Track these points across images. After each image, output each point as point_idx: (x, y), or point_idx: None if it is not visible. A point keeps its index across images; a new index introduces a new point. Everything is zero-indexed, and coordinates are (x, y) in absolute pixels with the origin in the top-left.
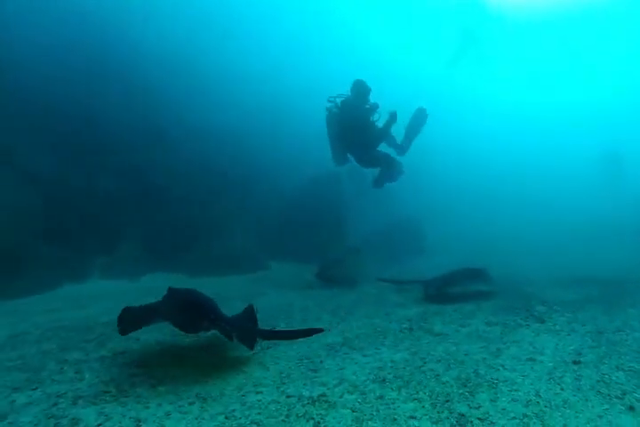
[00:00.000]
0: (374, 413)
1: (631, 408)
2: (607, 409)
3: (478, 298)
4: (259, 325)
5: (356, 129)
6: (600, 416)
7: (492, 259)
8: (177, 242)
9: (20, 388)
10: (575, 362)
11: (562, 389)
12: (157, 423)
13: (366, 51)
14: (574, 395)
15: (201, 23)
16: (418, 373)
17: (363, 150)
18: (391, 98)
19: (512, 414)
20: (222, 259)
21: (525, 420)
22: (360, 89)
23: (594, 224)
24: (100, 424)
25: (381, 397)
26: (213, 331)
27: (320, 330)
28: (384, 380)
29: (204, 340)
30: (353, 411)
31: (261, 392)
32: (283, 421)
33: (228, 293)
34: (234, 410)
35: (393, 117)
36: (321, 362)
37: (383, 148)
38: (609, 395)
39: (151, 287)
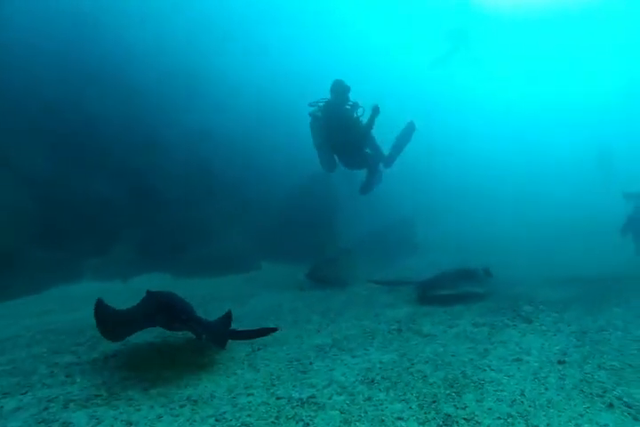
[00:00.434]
0: (362, 414)
1: (610, 405)
2: (588, 407)
3: (468, 299)
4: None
5: (343, 128)
6: (581, 415)
7: (486, 259)
8: (171, 243)
9: (9, 393)
10: (560, 362)
11: (546, 388)
12: (149, 426)
13: (364, 51)
14: (558, 394)
15: (198, 25)
16: (406, 374)
17: (351, 150)
18: (387, 97)
19: (497, 414)
20: (215, 260)
21: (510, 419)
22: (339, 88)
23: (588, 222)
24: None
25: (369, 398)
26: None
27: (274, 329)
28: (372, 381)
29: (195, 342)
30: (341, 412)
31: (252, 394)
32: (272, 422)
33: (219, 293)
34: (224, 412)
35: (376, 111)
36: (310, 364)
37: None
38: (591, 393)
39: (144, 289)
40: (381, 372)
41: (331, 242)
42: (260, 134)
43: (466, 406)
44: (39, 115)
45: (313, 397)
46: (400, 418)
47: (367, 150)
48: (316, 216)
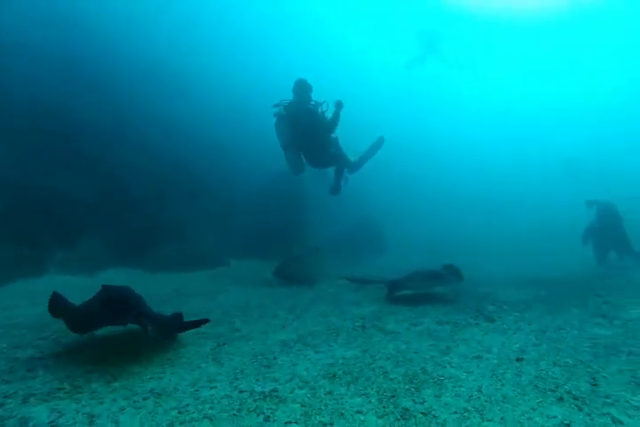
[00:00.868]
0: (323, 407)
1: (560, 399)
2: (541, 402)
3: (434, 298)
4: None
5: (309, 125)
6: (534, 409)
7: (455, 259)
8: (140, 239)
9: None
10: (518, 359)
11: (502, 384)
12: (111, 419)
13: (341, 52)
14: (513, 390)
15: (179, 26)
16: (367, 369)
17: (317, 148)
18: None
19: (454, 409)
20: (184, 256)
21: (466, 414)
22: (302, 87)
23: (559, 222)
24: (52, 421)
25: (330, 392)
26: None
27: (206, 320)
28: (334, 376)
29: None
30: (302, 406)
31: (215, 387)
32: (234, 415)
33: (188, 289)
34: (187, 405)
35: (339, 106)
36: (274, 358)
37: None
38: (544, 389)
39: (110, 283)
40: (343, 367)
41: (299, 240)
42: (237, 134)
43: (424, 401)
44: (5, 111)
45: (275, 390)
46: (359, 412)
47: (333, 149)
48: (284, 214)
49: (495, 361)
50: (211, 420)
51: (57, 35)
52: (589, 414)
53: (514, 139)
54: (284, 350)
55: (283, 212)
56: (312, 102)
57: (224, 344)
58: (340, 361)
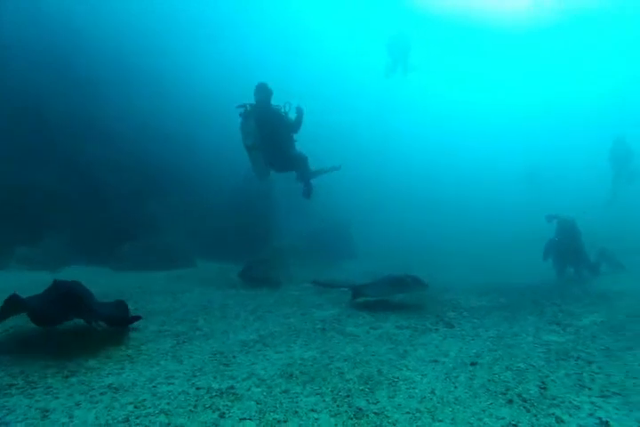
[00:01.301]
0: (277, 405)
1: (510, 401)
2: (491, 404)
3: (396, 303)
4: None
5: (274, 125)
6: (484, 410)
7: (421, 266)
8: (106, 236)
9: None
10: (472, 364)
11: (455, 387)
12: (66, 413)
13: (319, 54)
14: (466, 392)
15: (158, 24)
16: (324, 370)
17: (281, 149)
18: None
19: (406, 409)
20: (150, 255)
21: (417, 414)
22: (263, 91)
23: (529, 231)
24: None
25: (286, 391)
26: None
27: (138, 317)
28: (291, 375)
29: (120, 333)
30: (257, 403)
31: (172, 384)
32: (190, 411)
33: (152, 287)
34: (144, 400)
35: (300, 112)
36: (234, 357)
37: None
38: (495, 392)
39: (72, 279)
40: (301, 367)
41: (266, 242)
42: (210, 132)
43: (377, 402)
44: None
45: (232, 388)
46: (313, 410)
47: (294, 151)
48: (254, 215)
49: (451, 365)
50: (167, 415)
51: (39, 34)
52: (536, 415)
53: (483, 146)
54: (244, 349)
55: (252, 212)
56: (273, 105)
57: (184, 342)
58: (299, 361)
